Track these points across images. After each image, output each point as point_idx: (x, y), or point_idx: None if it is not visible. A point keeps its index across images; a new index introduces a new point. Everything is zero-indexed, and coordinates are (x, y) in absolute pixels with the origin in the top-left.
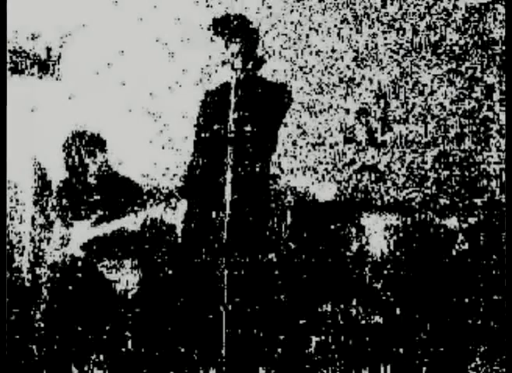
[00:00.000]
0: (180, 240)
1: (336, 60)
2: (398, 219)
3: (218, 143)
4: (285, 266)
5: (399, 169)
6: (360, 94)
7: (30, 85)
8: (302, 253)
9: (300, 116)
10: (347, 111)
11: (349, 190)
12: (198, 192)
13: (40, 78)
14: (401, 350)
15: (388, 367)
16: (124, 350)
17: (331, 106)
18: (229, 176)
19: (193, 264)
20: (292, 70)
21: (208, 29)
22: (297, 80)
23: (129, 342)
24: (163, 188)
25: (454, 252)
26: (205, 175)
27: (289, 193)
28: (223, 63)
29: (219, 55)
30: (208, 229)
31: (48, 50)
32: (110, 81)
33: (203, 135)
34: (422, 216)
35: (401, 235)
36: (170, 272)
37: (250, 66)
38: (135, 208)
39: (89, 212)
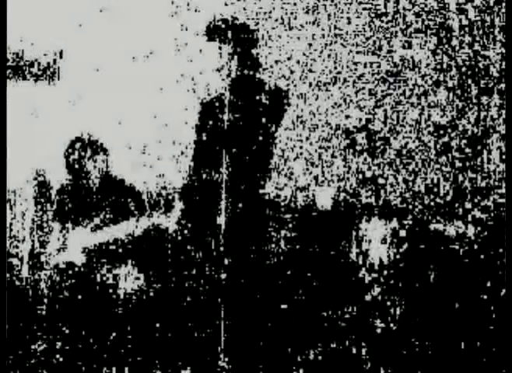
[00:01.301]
0: (178, 244)
1: (337, 64)
2: (398, 225)
3: (216, 147)
4: (284, 272)
5: (399, 175)
6: (362, 100)
7: (30, 90)
8: (300, 259)
9: (300, 121)
10: (348, 117)
11: (349, 196)
12: (198, 197)
13: (41, 82)
14: (401, 356)
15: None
16: (123, 352)
17: (331, 113)
18: (224, 179)
19: (191, 268)
20: (292, 73)
21: (206, 32)
22: (297, 84)
23: (129, 345)
24: (163, 193)
25: (454, 258)
26: (204, 180)
27: (288, 198)
28: (221, 66)
29: (216, 58)
30: (206, 233)
31: (49, 54)
32: (110, 85)
33: (202, 139)
34: (422, 222)
35: (401, 241)
36: (170, 277)
37: (246, 69)
38: (135, 213)
39: (90, 217)
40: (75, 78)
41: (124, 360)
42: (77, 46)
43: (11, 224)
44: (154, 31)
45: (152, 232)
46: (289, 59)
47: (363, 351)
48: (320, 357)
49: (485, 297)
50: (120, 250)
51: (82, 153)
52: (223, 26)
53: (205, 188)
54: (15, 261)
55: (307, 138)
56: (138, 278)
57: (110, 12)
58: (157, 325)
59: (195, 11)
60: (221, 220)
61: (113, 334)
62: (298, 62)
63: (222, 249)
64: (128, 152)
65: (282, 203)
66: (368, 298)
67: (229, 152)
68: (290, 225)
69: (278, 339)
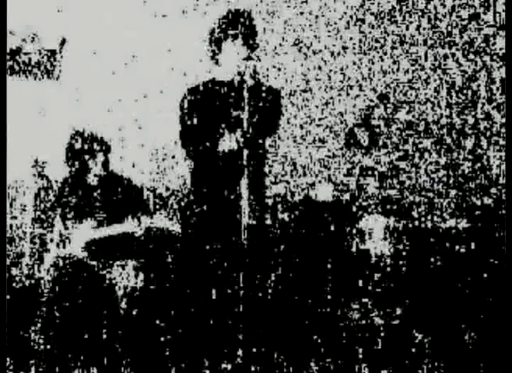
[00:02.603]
0: (181, 244)
1: (338, 60)
2: (397, 221)
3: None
4: (285, 267)
5: (399, 171)
6: (364, 95)
7: (32, 86)
8: (302, 254)
9: (302, 118)
10: (349, 112)
11: (349, 192)
12: (204, 198)
13: (42, 78)
14: (401, 352)
15: (388, 368)
16: (123, 351)
17: (333, 108)
18: (244, 181)
19: (201, 267)
20: (295, 71)
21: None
22: (298, 81)
23: (130, 343)
24: (165, 191)
25: (454, 253)
26: (210, 179)
27: (289, 194)
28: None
29: (233, 57)
30: (223, 233)
31: (50, 51)
32: (113, 82)
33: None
34: (422, 217)
35: (400, 236)
36: (173, 275)
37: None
38: (138, 213)
39: (91, 214)
40: (77, 75)
41: (123, 361)
42: (80, 44)
43: (12, 218)
44: (162, 29)
45: (155, 233)
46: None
47: (361, 348)
48: (319, 355)
49: (485, 295)
50: (123, 248)
51: (84, 149)
52: (235, 25)
53: (215, 188)
54: (15, 259)
55: (308, 134)
56: (139, 276)
57: (113, 11)
58: (157, 323)
59: (204, 13)
60: (244, 219)
61: (113, 333)
62: (300, 61)
63: (241, 249)
64: (132, 151)
65: (283, 201)
66: (368, 293)
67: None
68: (292, 220)
69: (279, 334)
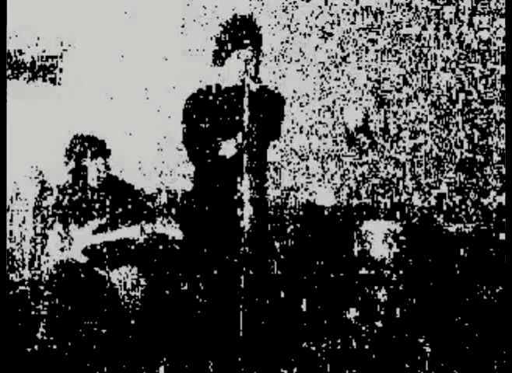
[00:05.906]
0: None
1: (338, 66)
2: (399, 224)
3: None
4: (287, 271)
5: (401, 174)
6: (362, 99)
7: (32, 89)
8: (303, 258)
9: (301, 122)
10: (349, 116)
11: (350, 196)
12: (204, 201)
13: (42, 81)
14: (401, 355)
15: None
16: (124, 354)
17: (333, 112)
18: (246, 186)
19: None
20: (296, 73)
21: (219, 38)
22: (299, 86)
23: (130, 347)
24: (167, 196)
25: (455, 257)
26: (210, 183)
27: (290, 198)
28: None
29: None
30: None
31: (50, 55)
32: (112, 85)
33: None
34: (424, 221)
35: (401, 240)
36: (174, 280)
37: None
38: (139, 219)
39: (91, 218)
40: (77, 78)
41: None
42: (79, 47)
43: (11, 223)
44: (163, 35)
45: (155, 238)
46: (293, 62)
47: (362, 352)
48: (319, 359)
49: (486, 298)
50: (123, 252)
51: (83, 153)
52: (238, 28)
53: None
54: (15, 263)
55: (308, 139)
56: (140, 281)
57: (114, 15)
58: (157, 327)
59: (210, 15)
60: (245, 224)
61: (114, 336)
62: (299, 64)
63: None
64: (131, 154)
65: (285, 205)
66: (369, 297)
67: (248, 157)
68: (293, 225)
69: (280, 336)
